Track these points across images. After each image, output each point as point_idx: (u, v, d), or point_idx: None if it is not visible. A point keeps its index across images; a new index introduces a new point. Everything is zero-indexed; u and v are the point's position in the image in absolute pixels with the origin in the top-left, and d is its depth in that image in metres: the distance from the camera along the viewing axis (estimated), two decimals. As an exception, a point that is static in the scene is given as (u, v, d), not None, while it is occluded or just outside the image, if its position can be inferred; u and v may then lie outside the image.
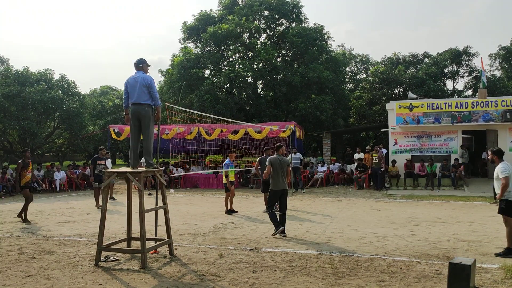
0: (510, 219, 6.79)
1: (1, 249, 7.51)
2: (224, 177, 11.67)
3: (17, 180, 10.73)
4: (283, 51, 26.90)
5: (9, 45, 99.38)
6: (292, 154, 16.72)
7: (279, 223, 8.43)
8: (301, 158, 18.40)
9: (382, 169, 17.41)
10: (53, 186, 18.98)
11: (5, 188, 17.32)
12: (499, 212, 6.96)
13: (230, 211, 11.53)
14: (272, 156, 8.84)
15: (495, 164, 7.07)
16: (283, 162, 8.64)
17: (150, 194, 15.81)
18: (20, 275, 5.92)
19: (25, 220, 10.47)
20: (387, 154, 18.73)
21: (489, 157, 7.39)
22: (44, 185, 18.97)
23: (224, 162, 11.70)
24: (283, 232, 8.35)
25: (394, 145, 19.17)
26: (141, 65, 6.89)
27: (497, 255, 6.71)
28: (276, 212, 8.69)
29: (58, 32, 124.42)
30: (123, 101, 6.98)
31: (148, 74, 6.93)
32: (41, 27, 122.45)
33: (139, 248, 6.34)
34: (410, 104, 18.48)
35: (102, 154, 13.65)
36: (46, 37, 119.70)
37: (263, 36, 26.84)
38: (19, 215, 10.67)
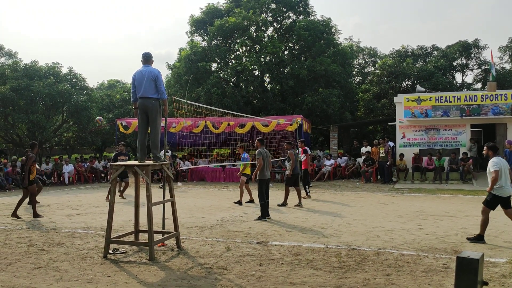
0: (488, 210, 7.23)
1: (11, 241, 7.60)
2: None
3: (28, 174, 10.38)
4: (290, 44, 26.76)
5: (17, 38, 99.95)
6: (300, 148, 16.67)
7: (266, 216, 9.45)
8: (309, 152, 18.34)
9: (388, 163, 17.32)
10: (61, 179, 19.15)
11: (14, 181, 17.50)
12: (483, 202, 7.35)
13: (250, 201, 12.06)
14: (261, 149, 9.68)
15: (489, 158, 7.34)
16: (268, 154, 9.84)
17: (161, 187, 15.98)
18: (30, 267, 6.00)
19: (37, 214, 10.26)
20: (394, 147, 18.63)
21: (484, 151, 7.66)
22: (53, 178, 19.15)
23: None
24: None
25: (402, 138, 19.06)
26: (151, 59, 6.92)
27: (468, 239, 7.29)
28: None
29: (64, 26, 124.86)
30: (131, 95, 7.01)
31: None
32: (48, 21, 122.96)
33: (147, 241, 6.39)
34: (418, 97, 18.33)
35: (121, 149, 13.81)
36: (53, 30, 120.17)
37: (270, 29, 26.72)
38: (14, 214, 10.17)
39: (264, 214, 9.46)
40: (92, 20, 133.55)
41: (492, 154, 7.28)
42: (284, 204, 11.56)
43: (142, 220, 7.44)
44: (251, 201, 12.07)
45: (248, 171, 12.18)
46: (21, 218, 10.11)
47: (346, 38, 36.54)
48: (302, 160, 12.99)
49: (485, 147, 7.49)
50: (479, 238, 7.17)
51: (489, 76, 19.11)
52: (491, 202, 7.19)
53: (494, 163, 7.10)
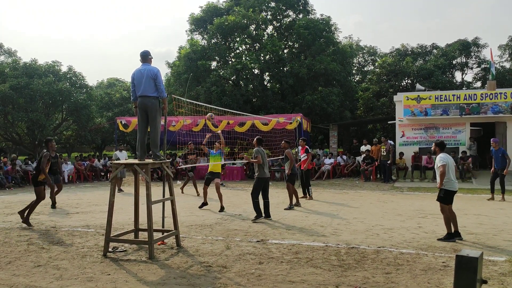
0: (445, 207, 7.34)
1: (11, 239, 7.60)
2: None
3: (45, 171, 9.17)
4: (290, 43, 26.75)
5: (16, 36, 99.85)
6: (299, 146, 16.67)
7: (261, 213, 9.30)
8: (308, 150, 18.34)
9: (389, 162, 17.33)
10: (61, 178, 19.11)
11: (14, 180, 17.49)
12: (438, 199, 7.48)
13: (222, 210, 10.76)
14: (259, 148, 9.58)
15: (436, 155, 7.63)
16: (265, 153, 9.77)
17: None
18: (30, 265, 6.00)
19: (27, 221, 8.83)
20: (394, 146, 18.64)
21: (432, 148, 7.97)
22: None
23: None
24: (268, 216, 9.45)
25: (401, 137, 19.07)
26: (148, 57, 6.92)
27: (439, 239, 7.23)
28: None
29: (64, 24, 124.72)
30: (131, 94, 7.01)
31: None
32: (48, 19, 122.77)
33: (147, 239, 6.39)
34: (418, 96, 18.34)
35: (119, 149, 15.62)
36: (53, 28, 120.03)
37: (270, 28, 26.70)
38: (22, 213, 8.90)
39: (259, 212, 9.24)
40: (92, 19, 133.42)
41: (439, 151, 7.58)
42: (296, 204, 11.13)
43: (142, 219, 7.45)
44: (205, 204, 11.01)
45: (219, 169, 11.17)
46: (32, 226, 8.78)
47: (346, 36, 36.62)
48: (302, 160, 12.90)
49: (433, 144, 7.81)
50: (449, 237, 7.21)
51: (489, 75, 19.11)
52: (445, 198, 7.37)
53: (441, 159, 7.38)
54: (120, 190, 14.96)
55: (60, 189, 11.97)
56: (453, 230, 7.33)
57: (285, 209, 10.88)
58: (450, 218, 7.29)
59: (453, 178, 7.39)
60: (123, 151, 16.35)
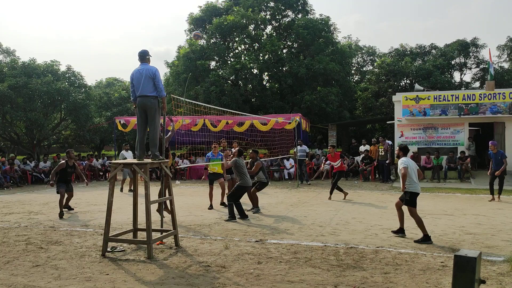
0: (414, 210, 7.38)
1: (9, 239, 7.59)
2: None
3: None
4: (289, 43, 26.75)
5: (15, 35, 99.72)
6: (298, 146, 16.70)
7: (235, 216, 9.31)
8: (307, 150, 18.35)
9: (387, 162, 17.32)
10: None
11: (12, 179, 17.46)
12: (404, 203, 7.54)
13: (222, 204, 11.02)
14: (238, 159, 9.82)
15: (399, 158, 7.73)
16: (244, 165, 10.00)
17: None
18: (28, 265, 5.99)
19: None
20: (392, 146, 18.63)
21: (396, 151, 8.04)
22: (50, 176, 19.08)
23: (206, 155, 11.48)
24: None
25: (400, 137, 19.06)
26: (146, 57, 6.91)
27: (416, 241, 7.13)
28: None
29: (63, 23, 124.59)
30: (131, 94, 7.00)
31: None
32: (46, 18, 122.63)
33: (145, 239, 6.39)
34: (417, 96, 18.34)
35: (125, 149, 15.49)
36: (52, 28, 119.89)
37: (269, 28, 26.72)
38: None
39: (233, 215, 9.23)
40: (91, 19, 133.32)
41: (402, 155, 7.72)
42: (258, 208, 10.53)
43: (141, 219, 7.45)
44: (211, 207, 10.98)
45: (220, 170, 11.13)
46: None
47: (345, 36, 36.58)
48: (336, 166, 12.77)
49: (397, 147, 7.87)
50: (425, 239, 7.11)
51: (487, 75, 19.14)
52: (412, 200, 7.43)
53: (402, 162, 7.51)
54: (129, 190, 14.61)
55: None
56: (400, 226, 7.56)
57: (249, 209, 10.38)
58: (420, 219, 7.27)
59: (415, 181, 7.49)
60: (129, 150, 16.16)
